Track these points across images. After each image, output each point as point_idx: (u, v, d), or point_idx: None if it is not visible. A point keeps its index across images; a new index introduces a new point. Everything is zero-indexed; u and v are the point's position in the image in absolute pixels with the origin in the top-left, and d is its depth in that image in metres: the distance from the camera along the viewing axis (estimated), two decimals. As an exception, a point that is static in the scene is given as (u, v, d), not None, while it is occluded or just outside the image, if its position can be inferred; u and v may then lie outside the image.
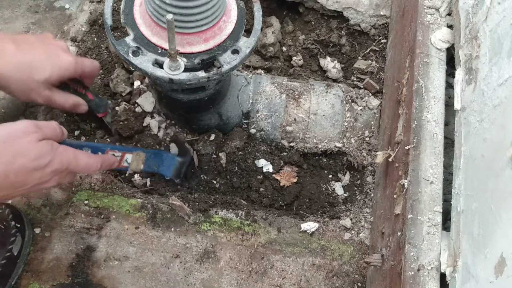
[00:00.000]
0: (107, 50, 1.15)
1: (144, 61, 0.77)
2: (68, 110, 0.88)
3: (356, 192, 1.05)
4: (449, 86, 0.88)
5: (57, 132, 0.75)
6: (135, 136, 1.03)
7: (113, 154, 0.86)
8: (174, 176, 0.93)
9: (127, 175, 1.00)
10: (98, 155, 0.82)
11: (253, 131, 1.05)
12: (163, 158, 0.92)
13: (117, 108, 1.05)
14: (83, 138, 1.04)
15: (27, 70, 0.78)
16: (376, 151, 1.04)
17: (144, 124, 1.04)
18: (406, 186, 0.77)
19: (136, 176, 1.01)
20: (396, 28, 1.09)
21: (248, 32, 0.81)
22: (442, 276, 0.70)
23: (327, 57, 1.21)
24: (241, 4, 0.84)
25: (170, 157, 0.92)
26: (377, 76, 1.16)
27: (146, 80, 1.09)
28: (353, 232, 0.97)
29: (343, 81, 1.19)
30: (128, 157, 0.88)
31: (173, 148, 0.99)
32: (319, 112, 1.05)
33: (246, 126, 1.05)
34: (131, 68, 1.08)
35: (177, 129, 1.05)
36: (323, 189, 1.05)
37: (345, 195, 1.05)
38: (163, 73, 0.76)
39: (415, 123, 0.81)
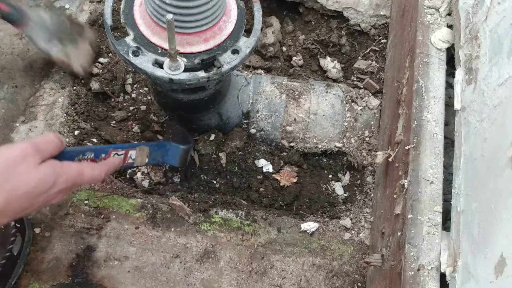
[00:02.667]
0: (107, 50, 1.15)
1: (144, 61, 0.77)
2: None
3: (356, 192, 1.05)
4: (449, 86, 0.88)
5: (57, 145, 0.72)
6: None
7: (117, 153, 0.84)
8: (180, 164, 0.93)
9: (134, 169, 1.01)
10: (102, 164, 0.80)
11: (253, 131, 1.05)
12: (167, 149, 0.91)
13: None
14: (83, 137, 1.04)
15: None
16: (376, 151, 1.04)
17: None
18: (406, 186, 0.77)
19: (138, 175, 1.01)
20: (396, 28, 1.09)
21: (248, 32, 0.81)
22: (442, 276, 0.70)
23: (327, 57, 1.21)
24: (241, 4, 0.84)
25: (173, 146, 0.92)
26: (377, 76, 1.16)
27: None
28: (353, 232, 0.97)
29: (343, 81, 1.19)
30: (132, 153, 0.86)
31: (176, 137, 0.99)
32: (319, 112, 1.05)
33: (246, 126, 1.05)
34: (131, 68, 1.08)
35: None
36: (323, 189, 1.05)
37: (345, 195, 1.05)
38: (163, 73, 0.76)
39: (415, 123, 0.81)
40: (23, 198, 0.66)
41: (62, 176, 0.70)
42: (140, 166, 0.96)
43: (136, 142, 1.03)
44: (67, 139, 1.02)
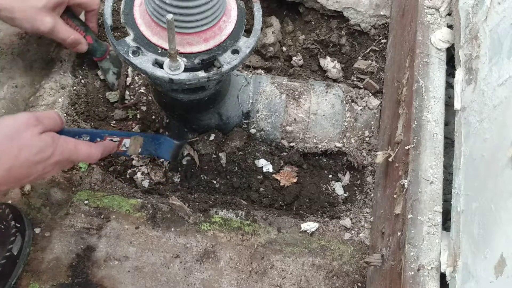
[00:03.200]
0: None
1: (144, 61, 0.77)
2: (69, 46, 0.97)
3: (356, 192, 1.05)
4: (449, 86, 0.88)
5: (57, 122, 0.77)
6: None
7: (112, 140, 0.87)
8: (171, 158, 0.96)
9: (134, 169, 1.02)
10: (98, 144, 0.84)
11: (253, 131, 1.05)
12: (161, 142, 0.94)
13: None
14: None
15: None
16: (376, 151, 1.04)
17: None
18: (406, 186, 0.77)
19: (138, 175, 1.01)
20: (396, 28, 1.09)
21: (248, 32, 0.81)
22: (442, 276, 0.70)
23: (327, 57, 1.21)
24: (241, 4, 0.84)
25: (167, 140, 0.94)
26: (377, 76, 1.16)
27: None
28: (353, 232, 0.97)
29: (343, 81, 1.19)
30: (126, 141, 0.89)
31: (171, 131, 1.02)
32: (319, 112, 1.05)
33: (246, 126, 1.05)
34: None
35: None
36: (323, 189, 1.05)
37: (345, 195, 1.05)
38: (163, 73, 0.76)
39: (415, 123, 0.81)
40: (24, 166, 0.69)
41: (60, 148, 0.73)
42: (133, 155, 0.98)
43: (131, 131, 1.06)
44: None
